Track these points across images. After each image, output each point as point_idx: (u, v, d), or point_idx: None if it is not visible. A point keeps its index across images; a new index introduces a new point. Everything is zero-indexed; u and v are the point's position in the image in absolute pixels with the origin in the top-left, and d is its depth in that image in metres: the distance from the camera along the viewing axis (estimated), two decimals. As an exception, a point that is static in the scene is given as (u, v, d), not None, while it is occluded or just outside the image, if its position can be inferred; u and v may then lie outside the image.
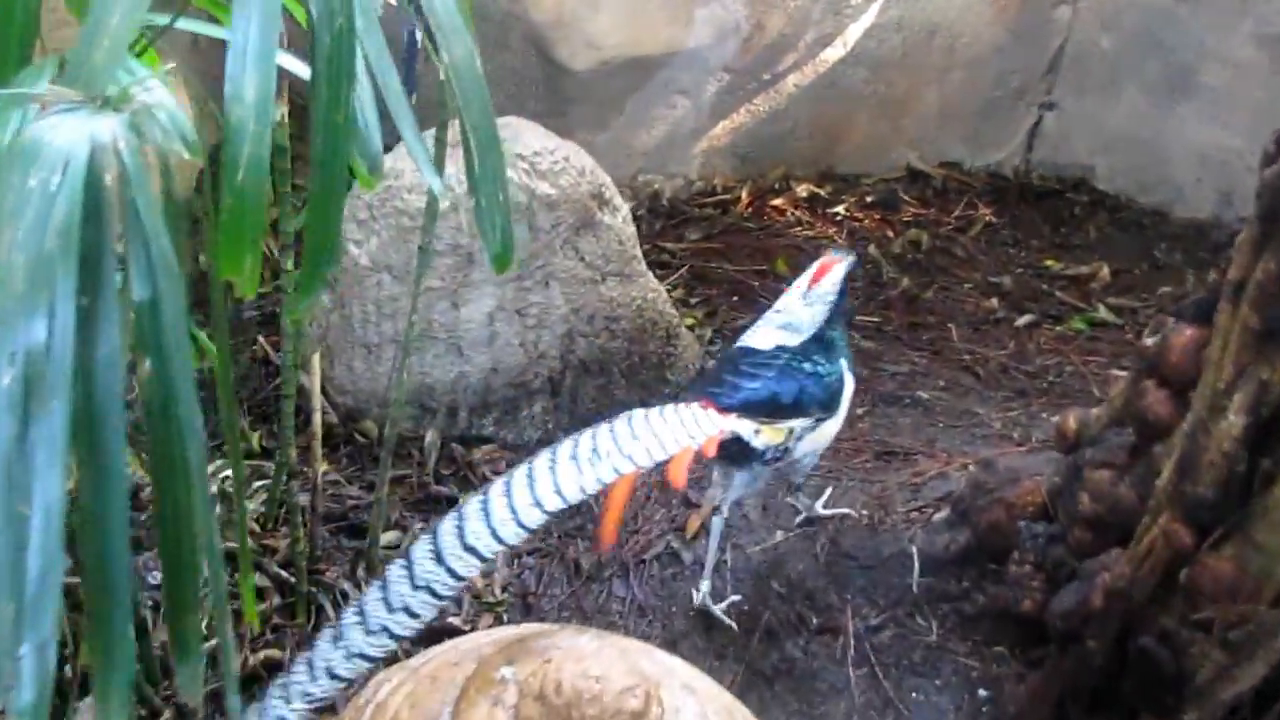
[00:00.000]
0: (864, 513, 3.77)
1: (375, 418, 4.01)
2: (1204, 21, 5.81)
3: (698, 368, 4.44)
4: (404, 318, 3.43)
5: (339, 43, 1.66)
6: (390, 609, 2.43)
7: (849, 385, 3.32)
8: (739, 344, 3.29)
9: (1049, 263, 5.73)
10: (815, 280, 3.28)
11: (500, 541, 2.50)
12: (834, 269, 3.29)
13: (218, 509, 3.55)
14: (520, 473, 2.60)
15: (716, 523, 3.38)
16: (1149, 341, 3.13)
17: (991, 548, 3.39)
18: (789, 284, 4.68)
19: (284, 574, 3.36)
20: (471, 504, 2.53)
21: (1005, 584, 3.29)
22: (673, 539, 3.72)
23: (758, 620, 3.49)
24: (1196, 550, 2.59)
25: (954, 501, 3.62)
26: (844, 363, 3.30)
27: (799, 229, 5.71)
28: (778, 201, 5.84)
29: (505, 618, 3.54)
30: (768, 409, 3.10)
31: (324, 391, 4.09)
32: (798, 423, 3.17)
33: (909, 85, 6.05)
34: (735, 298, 5.11)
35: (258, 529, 3.50)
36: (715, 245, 5.49)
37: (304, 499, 3.44)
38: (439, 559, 2.46)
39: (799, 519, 3.71)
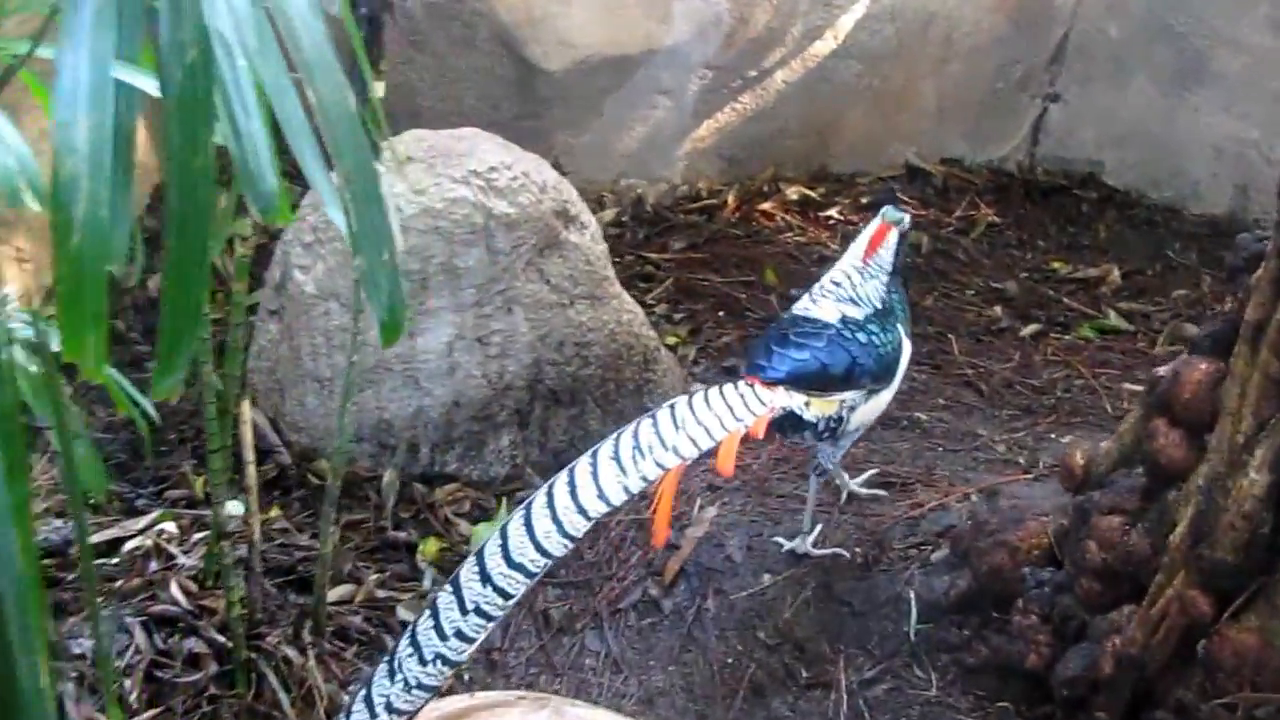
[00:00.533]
0: (857, 551, 3.56)
1: (331, 457, 3.78)
2: (1216, 6, 5.66)
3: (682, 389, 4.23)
4: (357, 349, 3.24)
5: (192, 79, 1.43)
6: (443, 636, 2.50)
7: (906, 352, 3.28)
8: (792, 311, 3.25)
9: (1056, 265, 5.56)
10: (872, 249, 3.24)
11: (546, 555, 2.54)
12: (889, 235, 3.24)
13: (153, 565, 3.35)
14: (561, 480, 2.63)
15: (814, 482, 3.43)
16: (1162, 371, 2.91)
17: (994, 593, 3.20)
18: (779, 295, 4.54)
19: (220, 639, 3.12)
20: (514, 519, 2.57)
21: (1009, 635, 3.09)
22: (650, 585, 3.53)
23: (742, 675, 3.29)
24: (1216, 619, 2.36)
25: (954, 540, 3.42)
26: (901, 329, 3.25)
27: (789, 235, 5.54)
28: (767, 205, 5.69)
29: (467, 676, 3.34)
30: (818, 381, 3.07)
31: (276, 429, 3.90)
32: (850, 395, 3.13)
33: (905, 78, 5.91)
34: (721, 312, 4.94)
35: (195, 588, 3.28)
36: (701, 255, 5.32)
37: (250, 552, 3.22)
38: (486, 579, 2.51)
39: (785, 548, 3.55)
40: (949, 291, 5.25)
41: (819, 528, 3.55)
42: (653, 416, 2.80)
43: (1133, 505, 2.79)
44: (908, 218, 3.33)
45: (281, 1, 1.69)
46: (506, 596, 2.52)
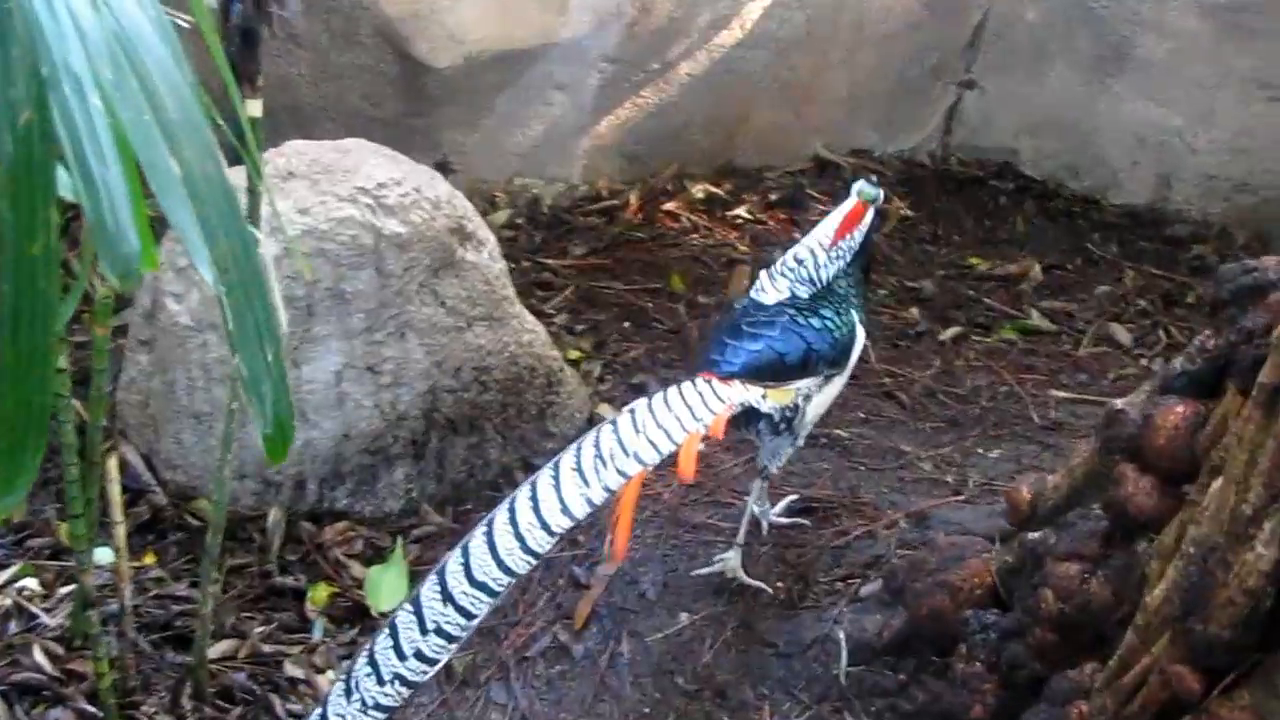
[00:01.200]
0: (779, 586, 3.44)
1: (211, 496, 3.60)
2: (1139, -11, 5.61)
3: (586, 417, 4.12)
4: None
5: (27, 147, 1.24)
6: (401, 656, 2.53)
7: (860, 338, 3.25)
8: (748, 298, 3.23)
9: (974, 261, 5.50)
10: (845, 231, 3.20)
11: (510, 573, 2.58)
12: (865, 215, 3.21)
13: (12, 626, 3.14)
14: (523, 495, 2.65)
15: (757, 485, 3.39)
16: (1121, 405, 2.79)
17: (932, 636, 3.06)
18: (687, 303, 4.39)
19: (91, 709, 2.93)
20: (475, 536, 2.60)
21: (951, 682, 2.96)
22: (560, 630, 3.38)
23: (661, 725, 3.15)
24: (1204, 697, 2.23)
25: (886, 576, 3.30)
26: (855, 314, 3.23)
27: (695, 236, 5.42)
28: (671, 205, 5.57)
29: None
30: (774, 371, 3.06)
31: (149, 466, 3.69)
32: (805, 383, 3.12)
33: (814, 68, 5.82)
34: (626, 323, 4.80)
35: (61, 651, 3.07)
36: (603, 260, 5.19)
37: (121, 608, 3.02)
38: (448, 599, 2.54)
39: (712, 566, 3.44)
40: (864, 293, 5.13)
41: (731, 553, 3.46)
42: (613, 422, 2.81)
43: (1092, 552, 2.66)
44: (882, 193, 3.27)
45: (127, 36, 1.51)
46: (469, 616, 2.54)
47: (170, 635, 3.27)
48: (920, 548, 3.41)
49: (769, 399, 3.05)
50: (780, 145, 5.93)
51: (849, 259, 3.21)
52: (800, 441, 3.26)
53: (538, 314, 4.42)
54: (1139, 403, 2.80)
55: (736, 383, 3.00)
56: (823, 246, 3.20)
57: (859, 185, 3.24)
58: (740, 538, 3.40)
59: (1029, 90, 5.96)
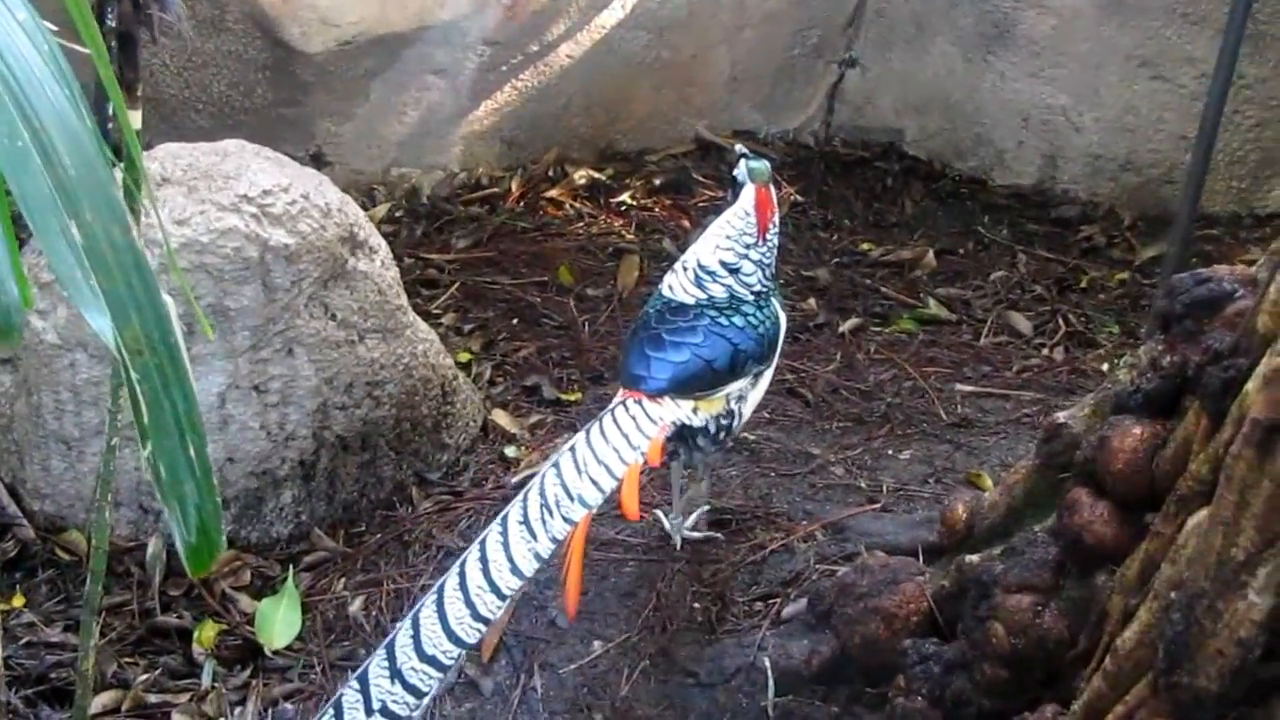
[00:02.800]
0: (696, 608, 3.30)
1: (83, 527, 3.41)
2: (1023, -35, 5.54)
3: (479, 424, 3.94)
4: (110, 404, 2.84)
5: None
6: None
7: (783, 325, 3.19)
8: (660, 297, 3.14)
9: (866, 247, 5.40)
10: (766, 222, 3.11)
11: (460, 644, 2.51)
12: (772, 196, 3.14)
13: None
14: (472, 557, 2.59)
15: (675, 469, 3.35)
16: (1063, 419, 2.68)
17: (866, 665, 2.94)
18: (576, 297, 4.28)
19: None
20: (425, 606, 2.53)
21: (889, 715, 2.83)
22: (467, 665, 3.18)
23: (576, 766, 3.01)
24: (1189, 753, 2.08)
25: (811, 597, 3.16)
26: (775, 302, 3.16)
27: (580, 225, 5.31)
28: (553, 192, 5.46)
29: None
30: (703, 380, 2.97)
31: (15, 497, 3.43)
32: (736, 386, 3.04)
33: (696, 48, 5.72)
34: (515, 320, 4.67)
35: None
36: (487, 253, 5.06)
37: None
38: (395, 675, 2.45)
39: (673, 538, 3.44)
40: (757, 283, 5.03)
41: (697, 512, 3.49)
42: (555, 465, 2.75)
43: (1045, 583, 2.53)
44: (767, 164, 3.15)
45: (14, 76, 1.27)
46: (418, 695, 2.46)
47: (46, 690, 3.01)
48: (841, 563, 3.33)
49: (701, 411, 2.97)
50: (662, 128, 5.84)
51: (775, 246, 3.14)
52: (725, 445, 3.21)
53: (424, 315, 4.28)
54: (1080, 416, 2.71)
55: (666, 399, 2.92)
56: (749, 244, 3.09)
57: (744, 168, 3.12)
58: (677, 510, 3.42)
59: (911, 68, 5.88)
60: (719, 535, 3.47)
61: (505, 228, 5.22)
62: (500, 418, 4.06)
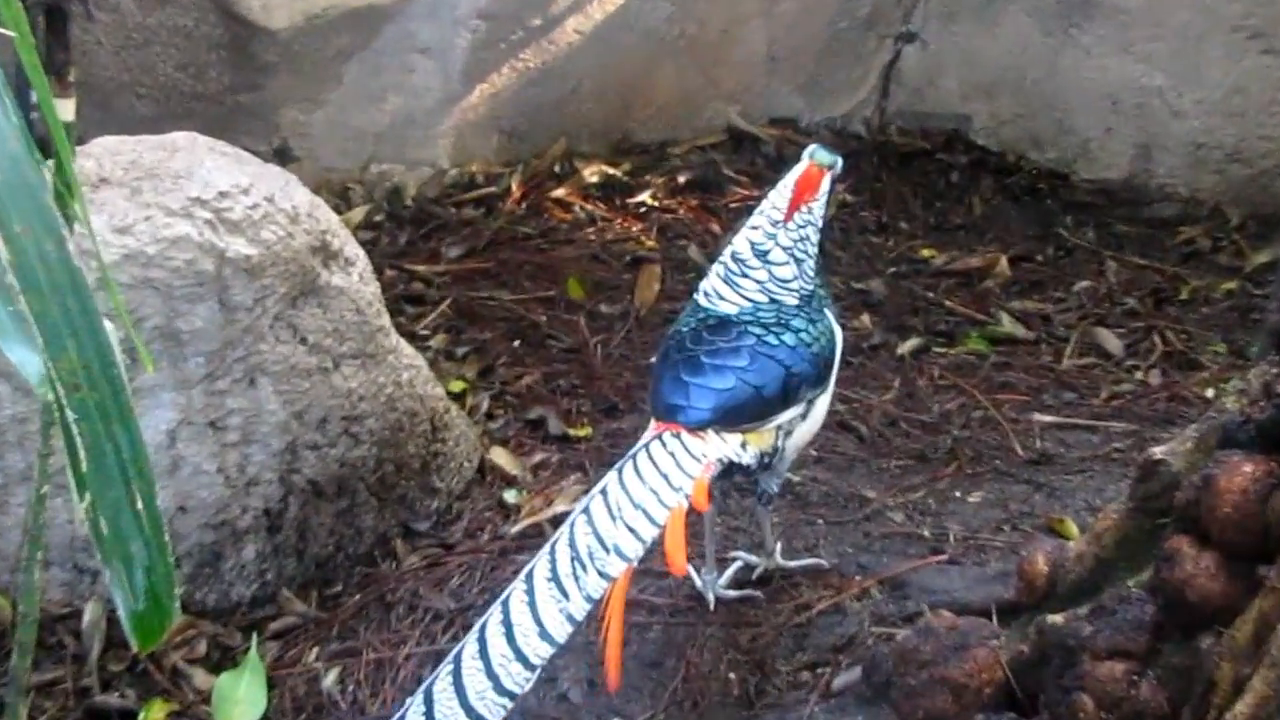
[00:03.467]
0: (732, 678, 3.31)
1: (8, 590, 3.44)
2: (1110, -78, 5.59)
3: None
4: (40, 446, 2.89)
5: None
6: None
7: (839, 341, 3.23)
8: (698, 310, 3.17)
9: (927, 254, 5.46)
10: (797, 203, 3.11)
11: None
12: (822, 182, 3.14)
13: None
14: (494, 621, 2.63)
15: (763, 512, 3.41)
16: (1160, 454, 2.71)
17: None
18: (588, 314, 4.34)
19: None
20: (441, 676, 2.58)
21: (965, 805, 2.83)
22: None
23: None
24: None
25: (866, 666, 3.19)
26: (829, 314, 3.21)
27: (592, 230, 5.37)
28: (560, 192, 5.53)
29: None
30: (752, 410, 3.00)
31: (-73, 552, 3.45)
32: (787, 415, 3.07)
33: (726, 21, 5.80)
34: (517, 341, 4.72)
35: None
36: (483, 263, 5.12)
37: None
38: None
39: (757, 570, 3.53)
40: (801, 297, 5.09)
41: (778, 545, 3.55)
42: (585, 510, 2.78)
43: (1140, 647, 2.55)
44: (840, 160, 3.17)
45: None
46: None
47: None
48: (901, 625, 3.34)
49: (750, 445, 3.01)
50: (687, 116, 5.91)
51: (816, 240, 3.14)
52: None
53: (410, 337, 4.31)
54: (1181, 451, 2.73)
55: (710, 433, 2.95)
56: (771, 231, 3.11)
57: (812, 148, 3.17)
58: (769, 545, 3.49)
59: (980, 44, 5.93)
60: (758, 594, 3.48)
61: (504, 234, 5.26)
62: (499, 457, 4.08)
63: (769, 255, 3.10)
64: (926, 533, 3.81)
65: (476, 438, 4.13)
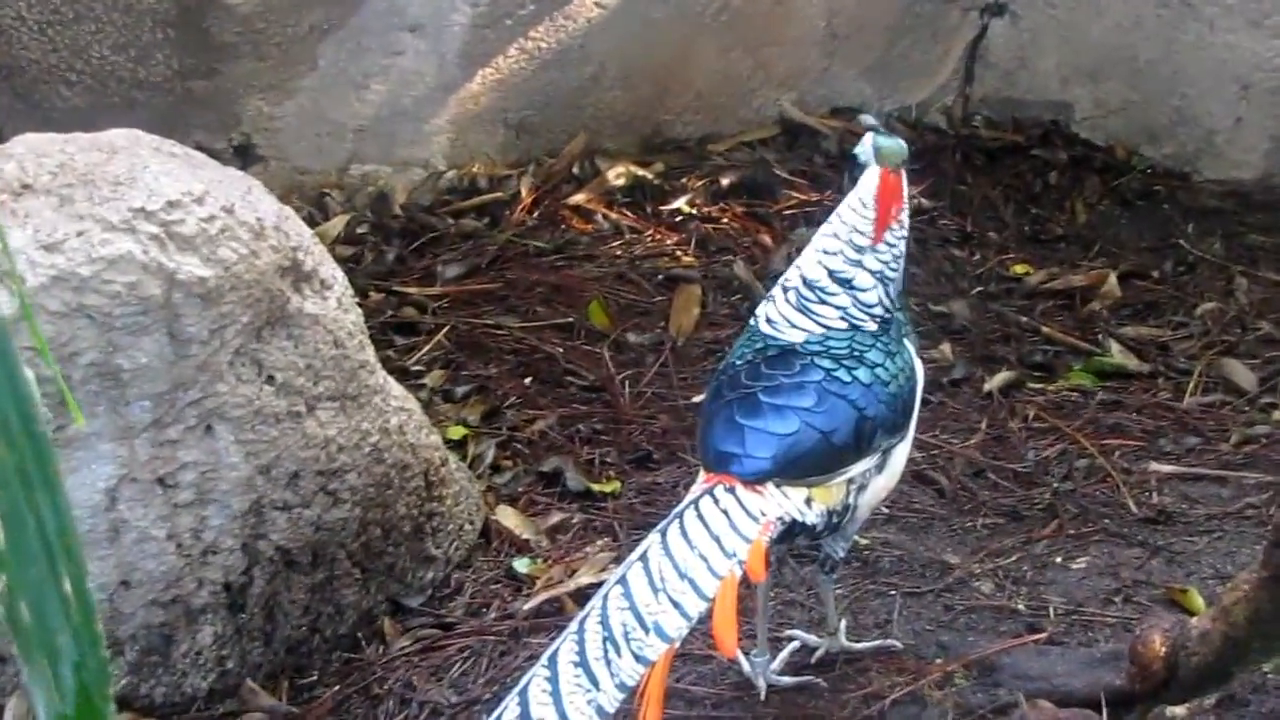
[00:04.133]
0: None
1: None
2: None
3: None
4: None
5: None
6: None
7: (920, 377, 3.28)
8: (755, 338, 3.20)
9: (1021, 270, 5.46)
10: (885, 218, 3.14)
11: None
12: (899, 186, 3.17)
13: None
14: (508, 717, 2.66)
15: (826, 582, 3.40)
16: None
17: None
18: (614, 344, 4.38)
19: None
20: None
21: None
22: None
23: None
24: None
25: None
26: (910, 346, 3.25)
27: (618, 243, 5.39)
28: (580, 198, 5.55)
29: None
30: (818, 461, 3.02)
31: None
32: (860, 467, 3.10)
33: None
34: (528, 378, 4.73)
35: None
36: (487, 284, 5.14)
37: None
38: None
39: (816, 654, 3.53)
40: (870, 324, 5.10)
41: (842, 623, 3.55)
42: (621, 580, 2.80)
43: (1280, 743, 2.54)
44: (902, 143, 3.19)
45: None
46: None
47: None
48: (991, 718, 3.37)
49: (816, 503, 3.01)
50: (729, 105, 5.94)
51: (902, 253, 3.18)
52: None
53: (399, 373, 4.33)
54: None
55: (770, 487, 2.96)
56: (856, 255, 3.13)
57: (870, 143, 3.18)
58: (832, 623, 3.48)
59: (1082, 17, 5.95)
60: (820, 681, 3.49)
61: (512, 249, 5.29)
62: (507, 518, 4.09)
63: (855, 283, 3.13)
64: (1021, 606, 3.83)
65: (480, 495, 4.15)
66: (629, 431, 4.44)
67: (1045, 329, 5.10)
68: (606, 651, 2.69)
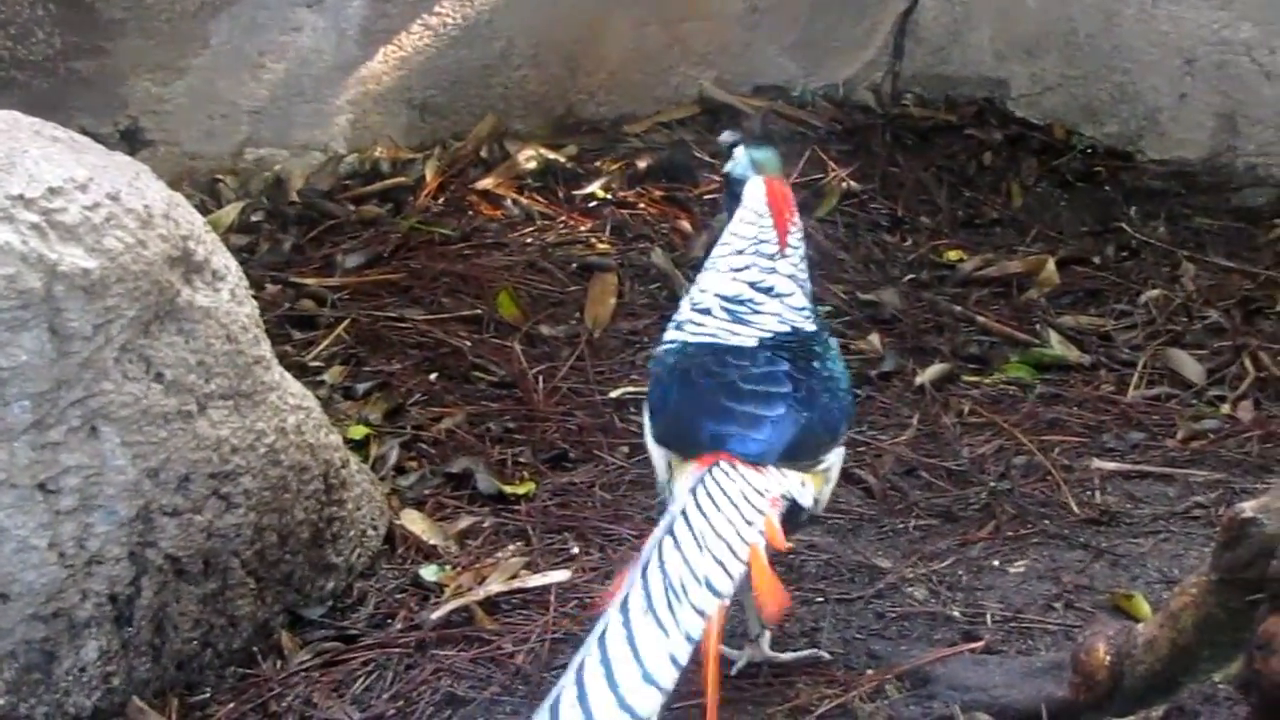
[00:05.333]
0: None
1: None
2: None
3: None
4: None
5: None
6: None
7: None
8: (675, 342, 3.34)
9: (954, 256, 5.49)
10: (782, 223, 3.28)
11: None
12: (785, 191, 3.32)
13: None
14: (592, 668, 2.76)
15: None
16: (1249, 509, 2.70)
17: None
18: (525, 336, 4.54)
19: None
20: None
21: None
22: None
23: None
24: None
25: None
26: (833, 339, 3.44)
27: (530, 230, 5.39)
28: (488, 182, 5.55)
29: None
30: (809, 444, 3.19)
31: None
32: (832, 457, 3.29)
33: None
34: (435, 375, 4.73)
35: None
36: (390, 274, 5.13)
37: None
38: None
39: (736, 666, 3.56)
40: (793, 314, 5.11)
41: (766, 632, 3.59)
42: (659, 558, 2.91)
43: (1238, 756, 2.57)
44: (773, 151, 3.37)
45: None
46: None
47: None
48: None
49: (808, 486, 3.18)
50: (646, 83, 5.97)
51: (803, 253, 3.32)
52: None
53: (297, 369, 4.33)
54: (1276, 509, 2.74)
55: (770, 468, 3.10)
56: (780, 259, 3.27)
57: (743, 159, 3.33)
58: (754, 629, 3.53)
59: None
60: (823, 654, 3.61)
61: (417, 236, 5.28)
62: (413, 522, 4.08)
63: (776, 288, 3.25)
64: (956, 613, 3.84)
65: (384, 498, 4.13)
66: (543, 429, 4.44)
67: (980, 318, 5.12)
68: (670, 601, 2.81)
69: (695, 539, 2.92)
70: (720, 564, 2.89)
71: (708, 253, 3.37)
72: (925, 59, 6.16)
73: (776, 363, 3.18)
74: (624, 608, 2.83)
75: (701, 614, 2.83)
